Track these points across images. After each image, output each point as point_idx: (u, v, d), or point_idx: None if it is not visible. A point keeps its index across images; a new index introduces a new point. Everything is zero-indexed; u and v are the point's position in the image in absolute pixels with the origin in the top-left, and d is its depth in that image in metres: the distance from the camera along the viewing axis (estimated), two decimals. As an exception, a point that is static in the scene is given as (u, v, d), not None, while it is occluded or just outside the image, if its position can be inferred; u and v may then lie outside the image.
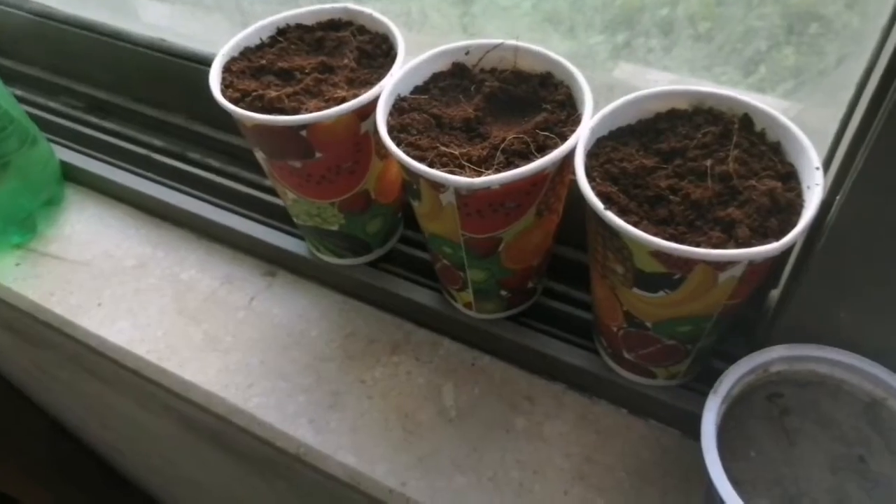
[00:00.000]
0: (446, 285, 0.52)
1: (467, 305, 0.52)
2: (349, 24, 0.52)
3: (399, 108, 0.45)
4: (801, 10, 0.45)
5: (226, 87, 0.47)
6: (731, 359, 0.47)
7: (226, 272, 0.62)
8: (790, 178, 0.39)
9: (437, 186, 0.40)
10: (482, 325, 0.53)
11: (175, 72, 0.68)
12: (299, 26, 0.52)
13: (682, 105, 0.43)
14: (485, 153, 0.41)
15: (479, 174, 0.40)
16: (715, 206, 0.38)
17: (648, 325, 0.42)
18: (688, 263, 0.36)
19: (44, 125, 0.74)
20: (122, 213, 0.68)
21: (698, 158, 0.40)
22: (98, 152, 0.72)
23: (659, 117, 0.43)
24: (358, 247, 0.56)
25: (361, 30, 0.51)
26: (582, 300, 0.54)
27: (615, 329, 0.45)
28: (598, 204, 0.37)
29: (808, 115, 0.47)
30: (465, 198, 0.40)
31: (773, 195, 0.37)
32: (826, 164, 0.40)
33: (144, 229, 0.66)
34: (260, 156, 0.48)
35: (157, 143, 0.71)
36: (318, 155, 0.46)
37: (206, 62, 0.65)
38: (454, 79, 0.47)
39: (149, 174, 0.68)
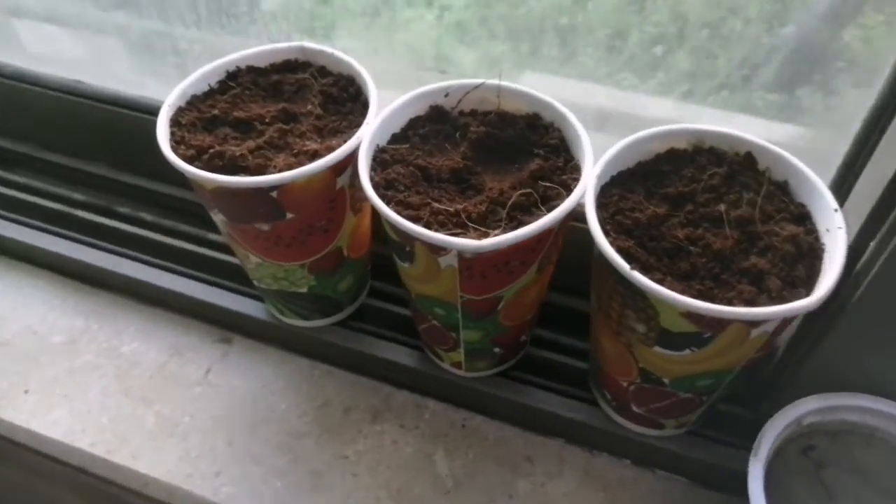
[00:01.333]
0: (432, 345, 0.48)
1: (456, 365, 0.48)
2: (307, 64, 0.47)
3: (380, 160, 0.41)
4: (691, 17, 0.46)
5: (176, 143, 0.42)
6: (735, 400, 0.46)
7: (173, 342, 0.55)
8: (804, 220, 0.37)
9: (437, 250, 0.36)
10: (472, 384, 0.49)
11: (95, 117, 0.60)
12: (251, 69, 0.46)
13: (682, 144, 0.41)
14: (484, 209, 0.37)
15: (484, 234, 0.36)
16: (737, 256, 0.36)
17: (666, 380, 0.39)
18: (721, 323, 0.33)
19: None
20: (42, 281, 0.60)
21: (710, 203, 0.38)
22: (5, 210, 0.63)
23: (659, 158, 0.41)
24: (328, 307, 0.51)
25: (322, 71, 0.46)
26: (573, 347, 0.51)
27: (625, 384, 0.42)
28: (623, 265, 0.34)
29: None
30: (469, 260, 0.36)
31: (796, 241, 0.35)
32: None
33: (72, 299, 0.59)
34: (220, 219, 0.43)
35: (78, 196, 0.63)
36: (289, 216, 0.41)
37: (132, 106, 0.59)
38: (434, 124, 0.43)
39: (71, 234, 0.60)
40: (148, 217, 0.61)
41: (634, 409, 0.44)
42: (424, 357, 0.50)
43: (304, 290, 0.48)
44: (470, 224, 0.37)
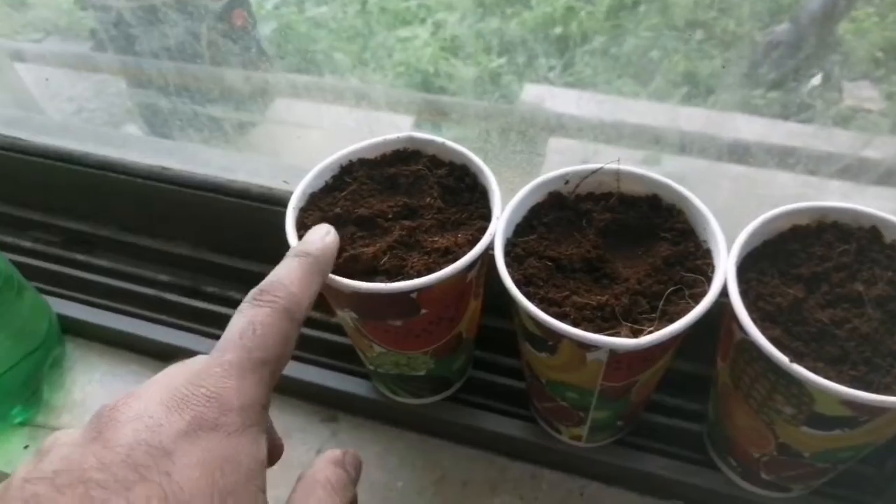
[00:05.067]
0: (554, 422, 0.49)
1: (576, 438, 0.49)
2: (417, 153, 0.48)
3: (513, 255, 0.41)
4: (684, 19, 0.48)
5: (306, 247, 0.42)
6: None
7: (281, 425, 0.55)
8: (941, 294, 0.38)
9: (587, 346, 0.37)
10: (590, 454, 0.50)
11: (178, 200, 0.61)
12: (363, 162, 0.47)
13: (804, 221, 0.42)
14: (628, 301, 0.38)
15: (635, 329, 0.37)
16: (884, 337, 0.36)
17: (806, 454, 0.40)
18: (882, 410, 0.34)
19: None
20: (138, 365, 0.60)
21: (844, 283, 0.39)
22: (89, 295, 0.64)
23: (784, 237, 0.41)
24: (441, 385, 0.52)
25: (434, 160, 0.47)
26: (685, 409, 0.52)
27: (757, 455, 0.43)
28: (782, 358, 0.34)
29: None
30: (620, 355, 0.37)
31: (941, 320, 0.36)
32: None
33: (171, 383, 0.59)
34: (350, 316, 0.44)
35: (163, 278, 0.64)
36: (423, 312, 0.42)
37: (219, 190, 0.59)
38: (555, 211, 0.44)
39: (160, 317, 0.61)
40: (237, 296, 0.62)
41: (764, 476, 0.45)
42: (538, 429, 0.51)
43: (423, 372, 0.48)
44: (620, 319, 0.37)
